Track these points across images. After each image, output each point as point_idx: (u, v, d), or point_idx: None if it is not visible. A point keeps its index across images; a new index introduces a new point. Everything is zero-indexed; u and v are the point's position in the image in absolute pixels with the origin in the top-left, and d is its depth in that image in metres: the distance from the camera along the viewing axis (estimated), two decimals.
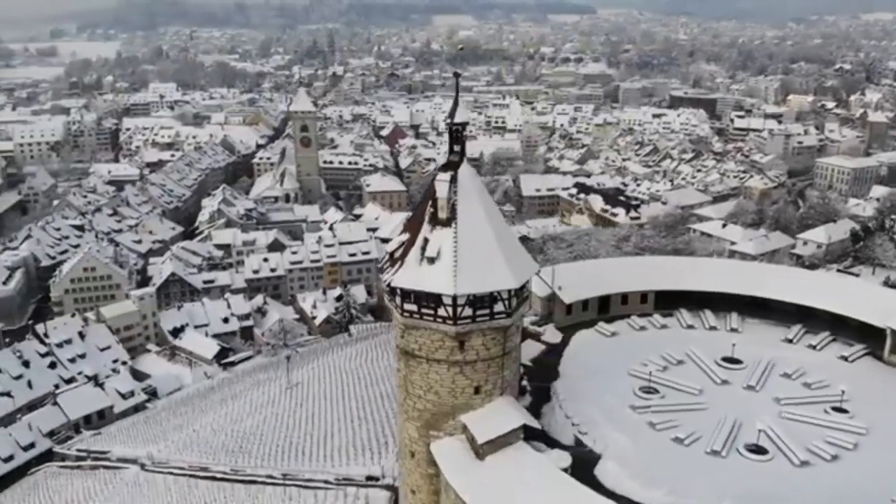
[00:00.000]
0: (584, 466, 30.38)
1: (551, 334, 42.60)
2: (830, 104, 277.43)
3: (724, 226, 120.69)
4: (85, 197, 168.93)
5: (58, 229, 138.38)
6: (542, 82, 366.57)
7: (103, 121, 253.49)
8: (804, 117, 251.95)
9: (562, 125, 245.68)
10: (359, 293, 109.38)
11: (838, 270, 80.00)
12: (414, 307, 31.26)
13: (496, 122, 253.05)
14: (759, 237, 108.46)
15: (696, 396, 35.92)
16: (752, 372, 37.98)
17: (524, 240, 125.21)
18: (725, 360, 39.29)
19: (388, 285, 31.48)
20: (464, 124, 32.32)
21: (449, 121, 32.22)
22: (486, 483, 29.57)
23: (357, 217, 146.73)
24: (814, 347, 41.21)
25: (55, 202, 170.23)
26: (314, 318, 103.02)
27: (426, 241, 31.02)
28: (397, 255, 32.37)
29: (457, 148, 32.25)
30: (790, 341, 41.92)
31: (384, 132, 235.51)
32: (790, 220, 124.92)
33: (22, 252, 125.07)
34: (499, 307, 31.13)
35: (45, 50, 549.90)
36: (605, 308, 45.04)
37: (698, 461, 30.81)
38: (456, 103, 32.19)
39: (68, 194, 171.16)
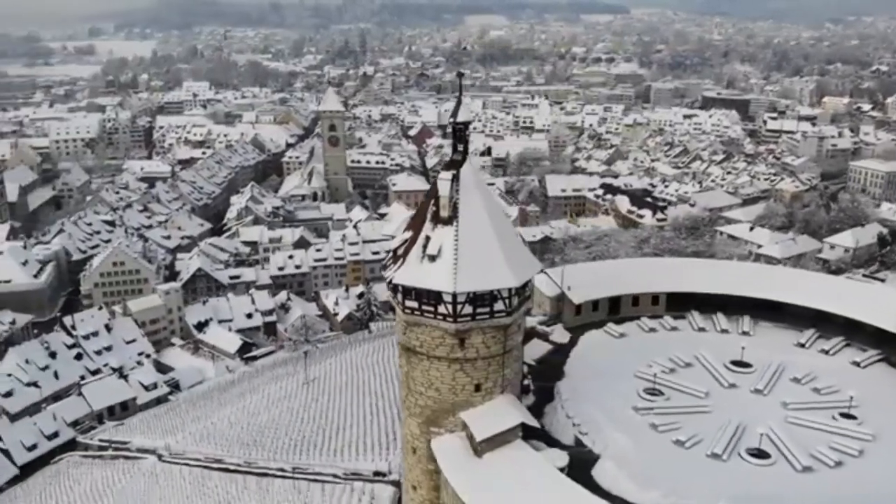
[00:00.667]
0: (581, 466, 30.40)
1: (559, 334, 42.56)
2: (866, 106, 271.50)
3: (751, 229, 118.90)
4: (117, 193, 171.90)
5: (89, 224, 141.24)
6: (572, 82, 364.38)
7: (137, 118, 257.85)
8: (839, 119, 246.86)
9: (591, 125, 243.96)
10: (381, 291, 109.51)
11: (863, 275, 78.36)
12: (415, 304, 31.51)
13: (524, 122, 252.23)
14: (786, 241, 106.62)
15: (702, 399, 35.67)
16: (761, 376, 37.60)
17: (546, 240, 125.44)
18: (734, 363, 38.94)
19: (390, 282, 31.77)
20: (466, 123, 32.42)
21: (452, 120, 32.33)
22: (483, 480, 29.70)
23: (382, 216, 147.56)
24: (826, 352, 40.64)
25: (88, 198, 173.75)
26: (336, 314, 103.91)
27: (428, 238, 31.23)
28: (400, 252, 32.65)
29: (460, 147, 32.29)
30: (802, 346, 41.41)
31: (412, 132, 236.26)
32: (820, 224, 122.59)
33: (54, 246, 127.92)
34: (499, 306, 31.21)
35: (84, 48, 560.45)
36: (616, 309, 44.87)
37: (698, 464, 30.60)
38: (459, 103, 32.34)
39: (101, 190, 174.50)
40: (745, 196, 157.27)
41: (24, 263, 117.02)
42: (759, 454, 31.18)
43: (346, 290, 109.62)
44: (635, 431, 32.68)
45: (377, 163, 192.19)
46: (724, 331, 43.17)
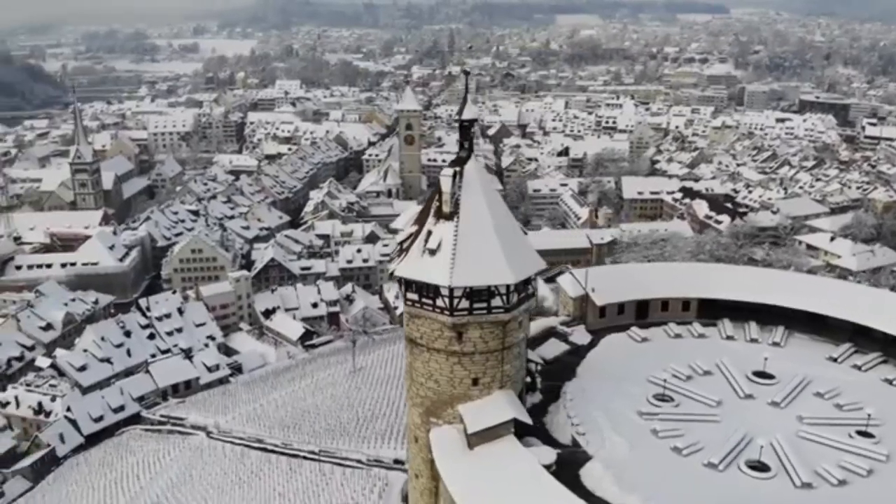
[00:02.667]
0: (570, 465, 30.35)
1: (580, 335, 42.32)
2: None
3: (832, 239, 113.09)
4: (205, 185, 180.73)
5: (175, 213, 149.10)
6: (662, 83, 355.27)
7: (230, 114, 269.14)
8: None
9: (676, 127, 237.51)
10: None
11: None
12: (415, 296, 32.26)
13: (606, 123, 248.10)
14: (863, 252, 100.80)
15: (713, 408, 34.81)
16: (782, 388, 36.32)
17: (613, 243, 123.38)
18: (757, 374, 37.74)
19: (391, 274, 32.62)
20: (472, 121, 32.82)
21: (457, 117, 32.82)
22: (469, 472, 30.16)
23: None
24: (859, 368, 38.80)
25: (178, 188, 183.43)
26: (396, 308, 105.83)
27: (430, 233, 31.90)
28: (405, 245, 33.48)
29: (465, 144, 32.78)
30: (835, 360, 39.67)
31: (490, 131, 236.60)
32: None
33: (140, 232, 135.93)
34: (496, 302, 31.52)
35: (188, 46, 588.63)
36: (644, 313, 44.11)
37: (691, 472, 29.98)
38: (465, 100, 32.80)
39: (190, 181, 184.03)
40: (833, 205, 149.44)
41: (112, 248, 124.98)
42: (759, 467, 30.23)
43: None
44: (634, 435, 32.29)
45: None
46: (753, 340, 41.79)
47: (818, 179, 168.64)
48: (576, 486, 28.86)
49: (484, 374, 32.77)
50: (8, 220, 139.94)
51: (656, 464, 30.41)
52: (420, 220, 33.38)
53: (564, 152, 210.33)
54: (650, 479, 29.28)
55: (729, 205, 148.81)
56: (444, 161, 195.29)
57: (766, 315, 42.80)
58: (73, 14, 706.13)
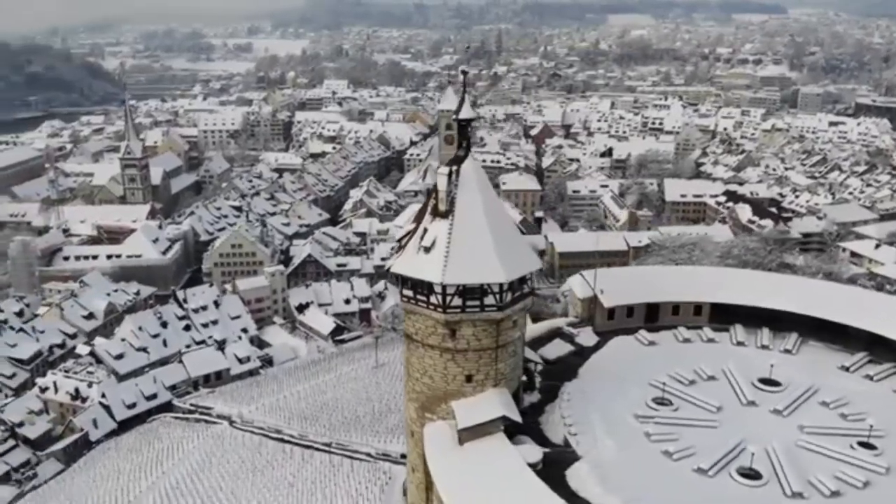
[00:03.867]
0: (557, 465, 30.41)
1: (586, 337, 42.20)
2: None
3: (877, 246, 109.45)
4: (250, 182, 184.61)
5: (218, 208, 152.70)
6: (714, 84, 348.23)
7: (278, 113, 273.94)
8: None
9: (725, 129, 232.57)
10: None
11: None
12: (411, 293, 32.75)
13: (653, 124, 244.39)
14: None
15: (712, 414, 34.40)
16: (787, 396, 35.69)
17: (647, 247, 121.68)
18: (762, 381, 37.11)
19: (387, 270, 33.16)
20: (469, 120, 33.10)
21: (455, 117, 33.18)
22: (456, 467, 30.48)
23: None
24: (870, 378, 37.83)
25: (224, 184, 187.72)
26: None
27: (425, 230, 32.36)
28: (403, 242, 33.99)
29: (463, 143, 33.09)
30: (847, 369, 38.72)
31: (533, 131, 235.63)
32: None
33: (183, 227, 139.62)
34: (489, 300, 31.78)
35: (242, 46, 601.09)
36: (654, 317, 43.71)
37: (678, 477, 29.73)
38: (462, 100, 33.12)
39: (236, 178, 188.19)
40: (882, 211, 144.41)
41: (155, 241, 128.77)
42: (751, 474, 29.80)
43: None
44: (626, 438, 32.14)
45: (492, 162, 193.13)
46: (764, 347, 41.06)
47: (868, 185, 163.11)
48: (560, 485, 28.91)
49: (477, 372, 33.05)
50: (58, 212, 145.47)
51: (644, 467, 30.23)
52: (418, 218, 33.87)
53: (608, 153, 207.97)
54: (636, 481, 29.15)
55: (773, 209, 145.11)
56: (483, 161, 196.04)
57: (781, 322, 41.96)
58: (134, 13, 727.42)
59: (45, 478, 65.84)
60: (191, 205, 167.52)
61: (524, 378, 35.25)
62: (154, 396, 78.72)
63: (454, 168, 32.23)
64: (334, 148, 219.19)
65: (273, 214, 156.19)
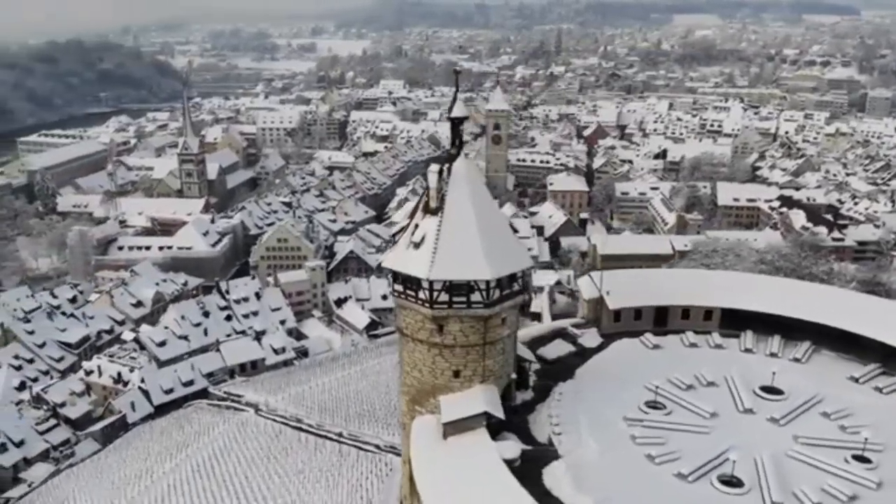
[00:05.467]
0: (535, 463, 30.45)
1: (590, 338, 41.99)
2: None
3: None
4: (303, 179, 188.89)
5: (269, 204, 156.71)
6: (779, 86, 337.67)
7: (334, 112, 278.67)
8: None
9: (786, 132, 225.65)
10: None
11: None
12: (401, 287, 33.26)
13: (711, 126, 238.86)
14: None
15: (704, 419, 33.82)
16: (787, 405, 34.80)
17: (683, 253, 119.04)
18: (764, 389, 36.27)
19: (379, 265, 33.83)
20: (462, 119, 33.42)
21: (447, 115, 33.56)
22: (436, 460, 30.89)
23: (532, 214, 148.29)
24: (880, 390, 36.55)
25: (277, 181, 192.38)
26: None
27: (416, 227, 32.87)
28: (397, 238, 34.58)
29: (455, 141, 33.45)
30: (856, 380, 37.46)
31: (587, 132, 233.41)
32: None
33: (233, 221, 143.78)
34: (476, 297, 32.03)
35: (306, 46, 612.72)
36: (663, 320, 43.09)
37: (657, 481, 29.37)
38: (455, 99, 33.46)
39: (289, 175, 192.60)
40: None
41: (206, 234, 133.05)
42: (732, 482, 29.24)
43: None
44: (611, 440, 31.91)
45: (542, 162, 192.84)
46: (773, 354, 40.07)
47: None
48: (534, 483, 28.97)
49: (465, 367, 33.33)
50: (116, 204, 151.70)
51: (624, 469, 30.00)
52: (412, 215, 34.41)
53: (662, 155, 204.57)
54: (612, 483, 28.98)
55: (829, 216, 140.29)
56: (532, 161, 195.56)
57: (795, 330, 40.86)
58: (203, 13, 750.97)
59: (81, 457, 69.05)
60: (245, 200, 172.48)
61: (514, 376, 35.27)
62: (191, 383, 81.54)
63: (446, 166, 32.59)
64: (386, 147, 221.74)
65: (321, 211, 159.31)
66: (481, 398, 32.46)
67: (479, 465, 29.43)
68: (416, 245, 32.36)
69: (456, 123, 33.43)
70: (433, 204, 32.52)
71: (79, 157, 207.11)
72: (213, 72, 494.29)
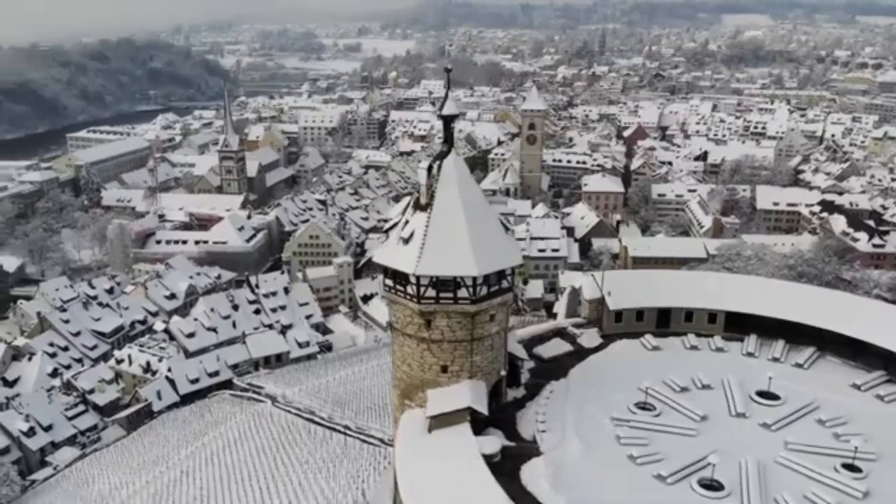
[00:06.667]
0: (516, 459, 30.60)
1: (589, 338, 41.88)
2: None
3: None
4: (340, 177, 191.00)
5: (304, 201, 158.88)
6: (828, 88, 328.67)
7: (374, 112, 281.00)
8: None
9: (832, 136, 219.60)
10: (535, 287, 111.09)
11: None
12: (391, 282, 33.73)
13: (755, 128, 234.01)
14: None
15: (694, 422, 33.49)
16: (782, 411, 34.24)
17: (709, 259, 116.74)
18: (761, 393, 35.73)
19: (370, 259, 34.36)
20: (452, 116, 33.69)
21: (438, 113, 33.88)
22: (417, 452, 31.28)
23: (565, 215, 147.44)
24: (881, 398, 35.64)
25: (314, 179, 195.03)
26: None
27: (406, 223, 33.29)
28: (390, 234, 35.09)
29: (447, 139, 33.73)
30: (858, 387, 36.59)
31: (627, 133, 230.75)
32: None
33: (269, 217, 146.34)
34: (462, 293, 32.29)
35: (351, 46, 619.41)
36: (665, 322, 42.71)
37: (635, 482, 29.22)
38: (446, 97, 33.62)
39: (326, 173, 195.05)
40: None
41: (241, 229, 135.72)
42: (712, 486, 28.93)
43: None
44: (594, 439, 31.83)
45: (578, 163, 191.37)
46: (775, 359, 39.42)
47: None
48: (511, 479, 29.09)
49: (453, 363, 33.57)
50: (156, 199, 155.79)
51: (603, 468, 29.92)
52: (405, 211, 34.81)
53: (702, 157, 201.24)
54: (588, 482, 28.94)
55: (871, 222, 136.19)
56: (568, 161, 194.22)
57: (800, 335, 40.17)
58: (252, 13, 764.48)
59: (107, 442, 71.41)
60: (283, 197, 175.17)
61: (504, 373, 35.41)
62: (216, 374, 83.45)
63: (436, 163, 32.93)
64: (422, 147, 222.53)
65: (354, 209, 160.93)
66: (466, 393, 32.68)
67: (458, 458, 29.64)
68: (406, 241, 32.75)
69: (447, 121, 33.72)
70: (423, 200, 32.89)
71: (124, 154, 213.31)
72: (260, 71, 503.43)
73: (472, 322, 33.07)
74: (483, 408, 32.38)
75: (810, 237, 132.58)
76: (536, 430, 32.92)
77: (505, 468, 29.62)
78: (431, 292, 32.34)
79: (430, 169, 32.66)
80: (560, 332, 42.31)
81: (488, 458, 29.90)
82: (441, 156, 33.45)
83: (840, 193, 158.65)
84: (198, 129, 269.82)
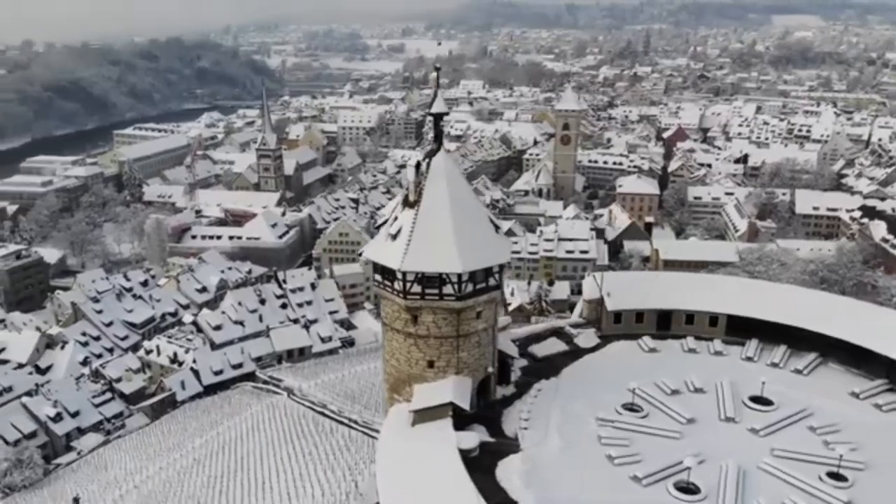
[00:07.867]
0: (493, 455, 30.80)
1: (586, 338, 41.80)
2: None
3: None
4: (374, 176, 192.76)
5: (337, 199, 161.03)
6: (878, 91, 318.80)
7: (412, 112, 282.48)
8: None
9: (879, 140, 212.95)
10: (561, 289, 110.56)
11: None
12: (380, 277, 34.30)
13: (799, 131, 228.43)
14: None
15: (680, 425, 33.27)
16: (773, 416, 33.78)
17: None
18: (753, 398, 35.27)
19: (359, 254, 34.97)
20: (442, 115, 34.06)
21: (428, 111, 34.28)
22: (396, 445, 31.79)
23: (597, 217, 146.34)
24: (879, 407, 34.88)
25: (349, 178, 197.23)
26: (508, 304, 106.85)
27: (395, 219, 33.81)
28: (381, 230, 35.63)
29: (436, 137, 34.15)
30: (857, 395, 35.81)
31: (667, 134, 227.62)
32: None
33: (301, 215, 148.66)
34: (448, 289, 32.64)
35: (395, 46, 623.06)
36: (666, 325, 42.36)
37: (610, 482, 29.18)
38: (435, 95, 34.13)
39: (361, 173, 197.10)
40: None
41: (274, 226, 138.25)
42: (689, 489, 28.71)
43: (529, 282, 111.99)
44: (575, 438, 31.86)
45: (615, 164, 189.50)
46: (773, 365, 38.80)
47: None
48: (485, 474, 29.32)
49: (439, 358, 33.96)
50: (194, 195, 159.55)
51: (579, 468, 29.92)
52: (396, 208, 35.34)
53: (742, 159, 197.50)
54: (562, 480, 29.03)
55: None
56: (605, 163, 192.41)
57: (803, 340, 39.46)
58: (299, 13, 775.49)
59: (130, 429, 73.66)
60: (318, 195, 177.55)
61: (492, 370, 35.60)
62: (240, 366, 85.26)
63: (425, 160, 33.37)
64: (458, 147, 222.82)
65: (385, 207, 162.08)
66: (449, 389, 33.04)
67: (434, 452, 30.04)
68: (393, 237, 33.30)
69: (437, 119, 34.13)
70: (411, 197, 33.36)
71: (167, 150, 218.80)
72: (305, 71, 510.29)
73: (457, 318, 33.42)
74: (465, 404, 32.68)
75: (848, 243, 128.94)
76: (519, 427, 33.08)
77: (482, 464, 29.88)
78: (417, 288, 32.80)
79: (418, 166, 33.12)
80: (557, 332, 42.31)
81: (465, 453, 30.19)
82: (430, 153, 33.90)
83: (882, 199, 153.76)
84: (241, 127, 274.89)
